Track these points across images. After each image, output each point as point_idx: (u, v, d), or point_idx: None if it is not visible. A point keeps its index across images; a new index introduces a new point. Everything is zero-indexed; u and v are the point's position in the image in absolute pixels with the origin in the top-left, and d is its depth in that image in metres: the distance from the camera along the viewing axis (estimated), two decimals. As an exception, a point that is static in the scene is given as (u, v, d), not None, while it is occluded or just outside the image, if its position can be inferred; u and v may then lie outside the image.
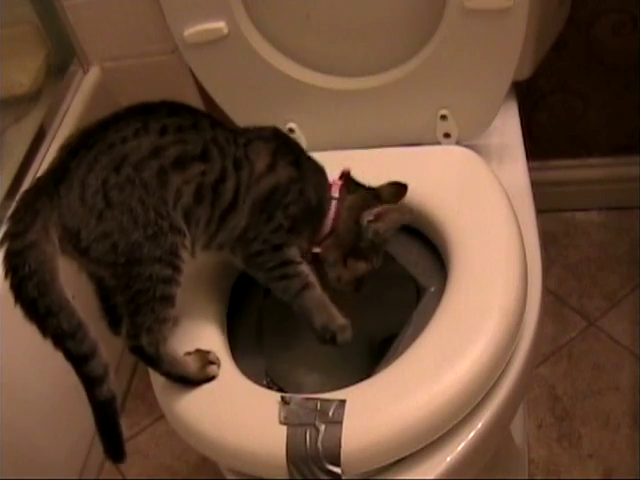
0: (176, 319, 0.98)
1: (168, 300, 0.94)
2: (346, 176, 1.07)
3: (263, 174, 0.99)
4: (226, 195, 0.96)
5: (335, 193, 1.04)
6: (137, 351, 0.94)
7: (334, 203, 1.03)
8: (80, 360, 0.88)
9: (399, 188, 1.06)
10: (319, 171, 1.05)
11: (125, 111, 0.95)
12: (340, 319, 0.98)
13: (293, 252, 1.01)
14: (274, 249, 1.00)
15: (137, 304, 0.93)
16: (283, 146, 1.02)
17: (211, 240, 0.99)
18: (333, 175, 1.06)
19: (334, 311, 0.99)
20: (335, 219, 1.03)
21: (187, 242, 0.95)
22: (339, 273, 1.04)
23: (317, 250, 1.04)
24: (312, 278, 1.00)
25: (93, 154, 0.89)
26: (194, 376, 0.97)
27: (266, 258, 1.00)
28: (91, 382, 0.88)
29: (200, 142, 0.95)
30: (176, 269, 0.93)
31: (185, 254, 0.95)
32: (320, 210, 1.03)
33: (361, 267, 1.04)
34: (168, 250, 0.92)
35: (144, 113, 0.94)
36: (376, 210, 1.02)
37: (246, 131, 1.02)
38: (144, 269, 0.92)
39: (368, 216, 1.02)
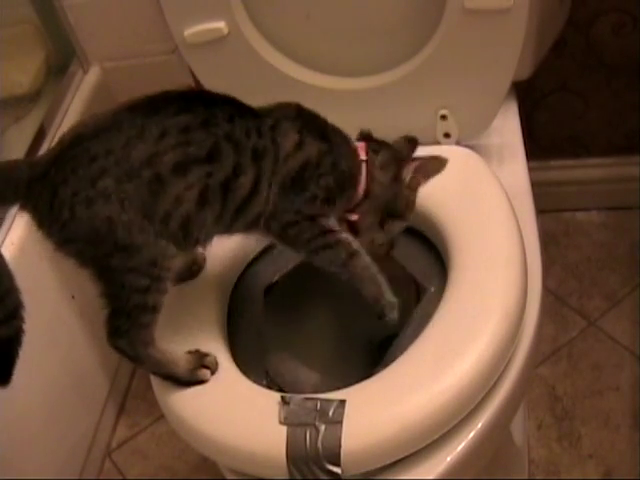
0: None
1: (146, 309, 0.93)
2: (367, 136, 1.05)
3: (291, 153, 0.95)
4: (241, 189, 0.93)
5: (362, 156, 1.01)
6: (118, 350, 0.95)
7: (364, 166, 1.01)
8: None
9: (411, 143, 1.06)
10: (345, 139, 1.02)
11: (127, 111, 0.91)
12: (390, 296, 0.97)
13: (330, 222, 0.98)
14: (309, 219, 0.97)
15: (113, 308, 0.93)
16: (309, 122, 0.99)
17: (227, 230, 0.97)
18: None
19: (384, 286, 0.97)
20: (368, 182, 1.00)
21: (174, 249, 0.92)
22: (374, 236, 1.03)
23: (353, 218, 1.02)
24: (357, 245, 0.97)
25: (72, 165, 0.87)
26: (182, 376, 0.97)
27: (302, 228, 0.97)
28: None
29: (208, 141, 0.90)
30: (156, 279, 0.91)
31: (172, 262, 0.92)
32: (353, 177, 1.00)
33: (399, 226, 1.04)
34: (146, 261, 0.90)
35: (147, 114, 0.90)
36: (414, 164, 1.02)
37: (270, 111, 0.98)
38: (115, 277, 0.91)
39: (408, 172, 1.01)
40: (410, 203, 1.04)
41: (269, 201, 0.95)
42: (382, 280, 0.97)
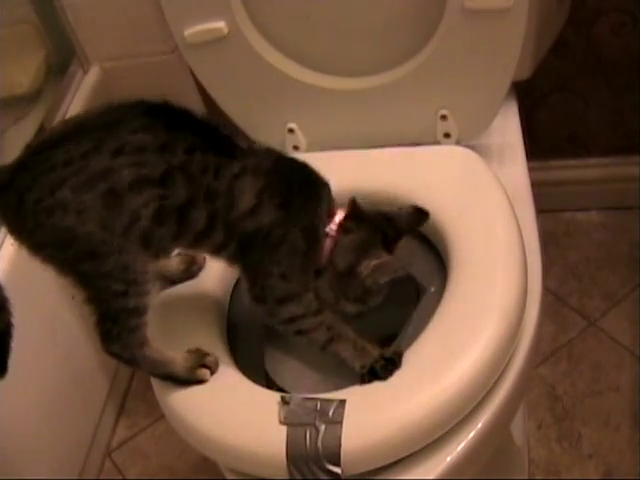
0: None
1: (130, 312, 0.92)
2: (349, 210, 0.96)
3: (246, 216, 0.91)
4: (197, 222, 0.90)
5: (332, 229, 0.95)
6: (113, 355, 0.95)
7: (328, 241, 0.95)
8: None
9: (419, 215, 0.99)
10: (313, 204, 0.95)
11: (93, 118, 0.90)
12: (374, 351, 0.93)
13: (303, 303, 0.95)
14: (278, 302, 0.94)
15: (99, 313, 0.92)
16: (276, 181, 0.92)
17: (192, 249, 0.97)
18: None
19: (367, 347, 0.94)
20: (327, 258, 0.95)
21: (144, 256, 0.90)
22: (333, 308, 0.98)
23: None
24: (336, 328, 0.94)
25: (35, 172, 0.86)
26: (180, 375, 0.97)
27: (272, 309, 0.95)
28: None
29: (161, 167, 0.87)
30: (132, 283, 0.90)
31: (146, 266, 0.91)
32: (313, 248, 0.94)
33: (355, 308, 0.98)
34: (117, 267, 0.89)
35: (109, 126, 0.87)
36: (374, 263, 0.93)
37: (245, 156, 0.92)
38: (92, 282, 0.90)
39: (366, 269, 0.93)
40: (368, 292, 0.96)
41: (230, 246, 0.93)
42: (364, 344, 0.94)
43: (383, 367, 0.92)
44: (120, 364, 1.59)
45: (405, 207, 0.99)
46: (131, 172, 0.86)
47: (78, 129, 0.89)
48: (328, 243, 0.95)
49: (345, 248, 0.95)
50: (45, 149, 0.88)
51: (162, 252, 0.94)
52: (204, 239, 0.92)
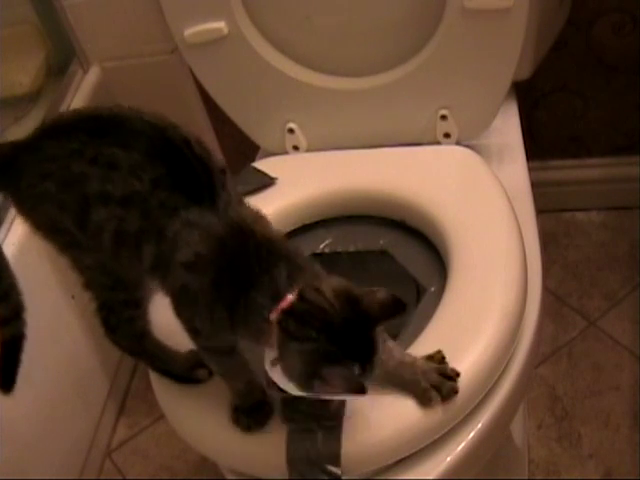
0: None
1: (122, 304, 0.91)
2: (302, 298, 0.78)
3: (179, 268, 0.81)
4: (146, 258, 0.83)
5: (272, 317, 0.78)
6: (114, 343, 0.95)
7: (266, 327, 0.78)
8: None
9: (395, 307, 0.80)
10: (249, 291, 0.78)
11: (86, 118, 0.87)
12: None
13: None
14: (204, 349, 0.89)
15: (96, 300, 0.92)
16: (218, 255, 0.79)
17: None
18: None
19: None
20: (271, 345, 0.80)
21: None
22: None
23: None
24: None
25: (33, 157, 0.86)
26: (178, 373, 0.97)
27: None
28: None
29: (124, 189, 0.81)
30: (117, 279, 0.89)
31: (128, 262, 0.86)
32: (250, 328, 0.80)
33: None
34: (99, 264, 0.88)
35: (93, 132, 0.84)
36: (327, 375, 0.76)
37: (211, 209, 0.80)
38: (82, 270, 0.91)
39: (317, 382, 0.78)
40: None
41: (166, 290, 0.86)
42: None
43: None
44: (120, 365, 1.61)
45: (381, 293, 0.80)
46: (99, 184, 0.82)
47: (74, 125, 0.88)
48: (266, 329, 0.79)
49: (291, 356, 0.79)
50: (45, 137, 0.88)
51: (137, 269, 0.87)
52: (152, 275, 0.86)
